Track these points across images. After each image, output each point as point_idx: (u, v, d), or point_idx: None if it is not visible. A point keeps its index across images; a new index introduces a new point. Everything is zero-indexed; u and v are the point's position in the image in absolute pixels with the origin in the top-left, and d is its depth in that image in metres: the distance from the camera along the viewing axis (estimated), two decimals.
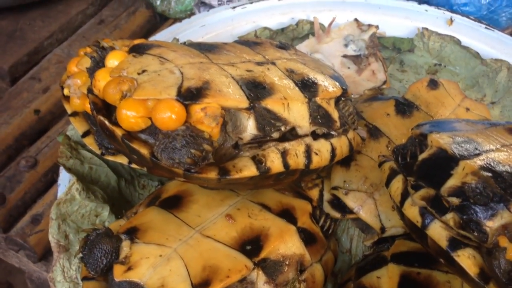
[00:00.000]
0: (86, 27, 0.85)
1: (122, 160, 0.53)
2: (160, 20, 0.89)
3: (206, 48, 0.49)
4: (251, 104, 0.42)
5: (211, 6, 0.82)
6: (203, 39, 0.77)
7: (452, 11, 0.80)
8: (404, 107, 0.57)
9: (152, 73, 0.42)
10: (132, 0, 0.90)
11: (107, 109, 0.44)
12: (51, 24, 0.82)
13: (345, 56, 0.77)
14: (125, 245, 0.42)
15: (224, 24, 0.79)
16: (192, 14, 0.85)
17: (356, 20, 0.80)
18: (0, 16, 0.82)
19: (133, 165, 0.53)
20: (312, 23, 0.80)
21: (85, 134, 0.54)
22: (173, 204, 0.47)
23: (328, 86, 0.48)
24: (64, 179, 0.55)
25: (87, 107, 0.53)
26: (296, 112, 0.44)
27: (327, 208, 0.52)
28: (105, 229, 0.44)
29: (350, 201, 0.51)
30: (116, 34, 0.83)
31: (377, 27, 0.79)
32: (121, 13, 0.87)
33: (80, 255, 0.43)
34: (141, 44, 0.46)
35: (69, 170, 0.53)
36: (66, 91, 0.56)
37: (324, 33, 0.79)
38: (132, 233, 0.43)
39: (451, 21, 0.79)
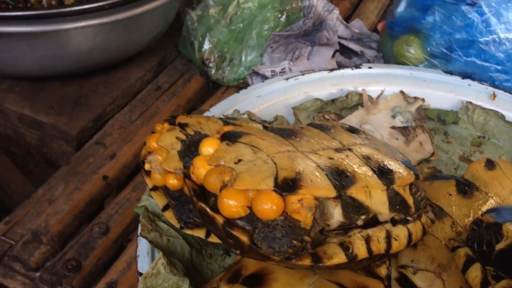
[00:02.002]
0: (144, 92, 0.90)
1: (200, 234, 0.56)
2: (213, 86, 0.94)
3: (287, 134, 0.53)
4: (338, 193, 0.46)
5: (264, 76, 0.87)
6: (259, 109, 0.81)
7: (495, 86, 0.84)
8: (465, 187, 0.61)
9: (248, 162, 0.46)
10: (186, 67, 0.95)
11: (203, 194, 0.47)
12: (113, 90, 0.87)
13: (393, 127, 0.81)
14: None
15: (278, 94, 0.84)
16: (245, 82, 0.90)
17: (402, 92, 0.85)
18: (67, 83, 0.87)
19: (210, 239, 0.56)
20: (360, 95, 0.85)
21: (164, 208, 0.58)
22: (256, 282, 0.50)
23: (402, 173, 0.51)
24: (143, 250, 0.58)
25: (170, 183, 0.57)
26: (377, 199, 0.48)
27: (395, 286, 0.54)
28: None
29: (419, 281, 0.53)
30: (174, 101, 0.88)
31: (423, 100, 0.83)
32: (176, 80, 0.92)
33: None
34: (232, 132, 0.50)
35: (151, 243, 0.56)
36: (147, 166, 0.60)
37: (372, 105, 0.83)
38: None
39: (494, 96, 0.83)
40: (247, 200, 0.44)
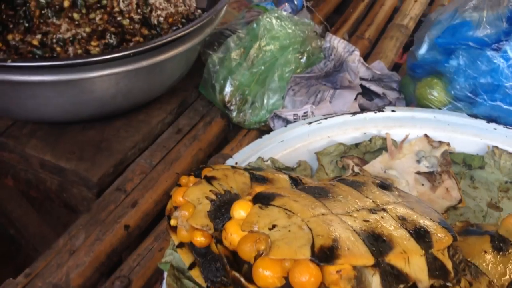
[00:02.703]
0: (165, 136, 0.89)
1: None
2: (233, 129, 0.93)
3: (319, 193, 0.52)
4: (376, 260, 0.44)
5: (286, 120, 0.86)
6: (282, 155, 0.81)
7: None
8: (500, 244, 0.59)
9: (283, 228, 0.45)
10: (207, 109, 0.95)
11: (235, 259, 0.46)
12: (134, 135, 0.87)
13: (418, 172, 0.80)
14: None
15: (301, 139, 0.83)
16: (266, 125, 0.89)
17: (426, 136, 0.83)
18: (88, 127, 0.86)
19: None
20: (384, 139, 0.84)
21: (191, 266, 0.56)
22: None
23: (440, 235, 0.50)
24: None
25: (197, 240, 0.56)
26: (416, 266, 0.46)
27: None
28: None
29: None
30: (195, 145, 0.87)
31: (448, 144, 0.82)
32: (197, 122, 0.92)
33: None
34: (264, 194, 0.49)
35: None
36: (173, 222, 0.59)
37: (396, 149, 0.82)
38: None
39: None
40: (283, 270, 0.42)
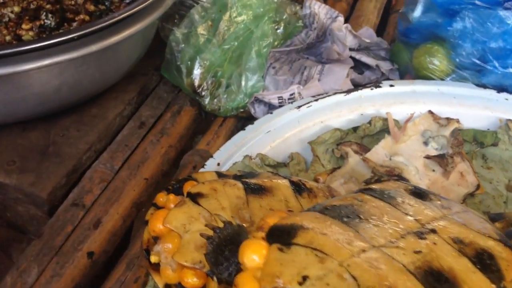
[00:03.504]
0: (126, 132, 0.74)
1: None
2: (206, 116, 0.79)
3: (347, 215, 0.39)
4: None
5: (269, 104, 0.73)
6: (271, 148, 0.68)
7: None
8: None
9: (318, 281, 0.32)
10: (173, 95, 0.80)
11: None
12: (88, 133, 0.72)
13: (427, 157, 0.69)
14: None
15: (291, 127, 0.70)
16: (245, 111, 0.76)
17: (431, 112, 0.73)
18: (30, 128, 0.71)
19: None
20: (384, 119, 0.72)
21: None
22: None
23: (508, 259, 0.39)
24: None
25: (188, 282, 0.43)
26: None
27: None
28: None
29: None
30: (163, 141, 0.73)
31: (458, 121, 0.71)
32: (162, 113, 0.77)
33: None
34: (281, 228, 0.36)
35: None
36: (154, 259, 0.45)
37: (400, 131, 0.71)
38: None
39: None
40: None
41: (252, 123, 0.69)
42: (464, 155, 0.69)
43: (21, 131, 0.70)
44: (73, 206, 0.64)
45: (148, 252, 0.47)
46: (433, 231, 0.39)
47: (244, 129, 0.67)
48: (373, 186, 0.44)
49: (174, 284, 0.45)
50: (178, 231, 0.45)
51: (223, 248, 0.37)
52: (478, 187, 0.67)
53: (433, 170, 0.69)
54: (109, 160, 0.70)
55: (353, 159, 0.69)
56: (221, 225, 0.40)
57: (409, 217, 0.40)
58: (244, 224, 0.48)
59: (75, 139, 0.71)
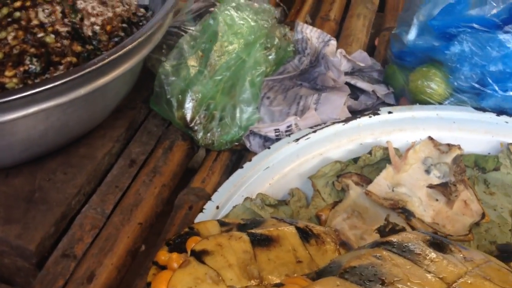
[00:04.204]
0: (116, 172, 0.70)
1: None
2: (197, 151, 0.76)
3: (368, 279, 0.37)
4: None
5: (265, 137, 0.70)
6: (270, 185, 0.65)
7: None
8: None
9: None
10: (163, 129, 0.77)
11: None
12: (76, 176, 0.68)
13: (430, 186, 0.67)
14: None
15: (289, 161, 0.67)
16: (239, 144, 0.73)
17: (431, 138, 0.71)
18: (13, 173, 0.67)
19: None
20: (384, 148, 0.70)
21: None
22: None
23: None
24: None
25: None
26: None
27: None
28: None
29: None
30: (156, 181, 0.69)
31: (459, 147, 0.69)
32: (153, 149, 0.74)
33: None
34: None
35: None
36: None
37: (401, 160, 0.69)
38: None
39: None
40: None
41: (249, 159, 0.66)
42: (467, 182, 0.68)
43: (4, 177, 0.66)
44: (64, 257, 0.61)
45: None
46: None
47: (242, 167, 0.65)
48: (390, 239, 0.42)
49: None
50: None
51: None
52: (483, 215, 0.65)
53: (437, 200, 0.67)
54: (99, 203, 0.66)
55: (354, 192, 0.67)
56: None
57: (433, 277, 0.38)
58: (253, 282, 0.45)
59: (62, 183, 0.67)
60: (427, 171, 0.69)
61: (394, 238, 0.42)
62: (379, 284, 0.36)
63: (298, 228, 0.51)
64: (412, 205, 0.65)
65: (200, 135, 0.72)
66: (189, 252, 0.46)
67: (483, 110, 0.73)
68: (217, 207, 0.60)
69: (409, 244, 0.42)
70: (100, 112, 0.67)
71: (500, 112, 0.72)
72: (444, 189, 0.67)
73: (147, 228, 0.65)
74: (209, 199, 0.61)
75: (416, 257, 0.40)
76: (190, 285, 0.42)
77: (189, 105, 0.72)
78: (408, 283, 0.37)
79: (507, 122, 0.72)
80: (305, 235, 0.51)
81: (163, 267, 0.46)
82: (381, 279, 0.37)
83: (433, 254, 0.41)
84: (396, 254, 0.40)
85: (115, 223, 0.64)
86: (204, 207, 0.59)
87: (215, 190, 0.63)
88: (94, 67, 0.53)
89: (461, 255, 0.42)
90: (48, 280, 0.58)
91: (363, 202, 0.67)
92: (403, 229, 0.45)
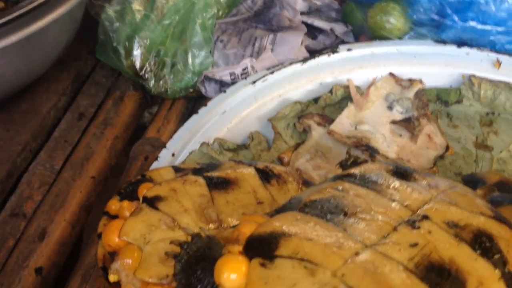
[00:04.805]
0: (63, 126, 0.66)
1: None
2: (152, 100, 0.72)
3: (330, 211, 0.35)
4: None
5: (221, 82, 0.67)
6: (228, 130, 0.62)
7: (497, 51, 0.70)
8: None
9: None
10: (112, 80, 0.72)
11: None
12: (20, 132, 0.63)
13: (393, 122, 0.65)
14: None
15: (247, 104, 0.64)
16: (195, 91, 0.69)
17: (392, 74, 0.69)
18: None
19: None
20: (345, 87, 0.68)
21: None
22: None
23: (505, 237, 0.35)
24: None
25: None
26: None
27: None
28: None
29: None
30: (108, 133, 0.65)
31: (421, 81, 0.67)
32: (102, 101, 0.70)
33: None
34: (261, 238, 0.31)
35: None
36: (113, 278, 0.39)
37: (362, 97, 0.67)
38: None
39: (499, 63, 0.69)
40: None
41: (205, 104, 0.63)
42: (430, 116, 0.66)
43: None
44: (12, 216, 0.57)
45: (105, 270, 0.41)
46: (425, 217, 0.35)
47: (197, 113, 0.61)
48: (352, 171, 0.40)
49: None
50: (138, 243, 0.39)
51: (194, 267, 0.32)
52: (447, 148, 0.64)
53: (400, 135, 0.65)
54: (48, 160, 0.62)
55: (317, 132, 0.65)
56: (187, 238, 0.34)
57: (397, 204, 0.36)
58: (211, 225, 0.43)
59: (6, 140, 0.62)
60: (390, 107, 0.67)
61: (356, 170, 0.40)
62: (342, 215, 0.34)
63: (257, 169, 0.49)
64: (376, 141, 0.64)
65: (151, 83, 0.68)
66: (141, 199, 0.43)
67: (444, 42, 0.71)
68: (173, 155, 0.57)
69: (372, 174, 0.40)
70: (39, 62, 0.62)
71: (460, 43, 0.70)
72: (407, 124, 0.65)
73: (101, 182, 0.62)
74: (164, 147, 0.57)
75: (379, 187, 0.38)
76: (143, 232, 0.40)
77: (137, 52, 0.67)
78: (372, 213, 0.35)
79: (468, 54, 0.70)
80: (265, 175, 0.48)
81: (114, 217, 0.43)
82: (343, 211, 0.35)
83: (396, 183, 0.39)
84: (359, 186, 0.38)
85: (66, 178, 0.60)
86: (159, 155, 0.56)
87: (167, 142, 0.60)
88: (23, 11, 0.48)
89: (425, 182, 0.40)
90: None
91: (326, 142, 0.65)
92: (365, 162, 0.43)
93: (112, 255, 0.41)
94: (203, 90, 0.68)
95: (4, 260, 0.53)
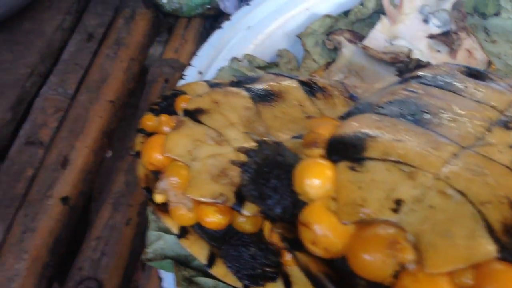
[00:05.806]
0: (72, 48, 0.60)
1: None
2: (165, 19, 0.66)
3: (409, 113, 0.31)
4: None
5: None
6: (255, 47, 0.57)
7: None
8: None
9: (415, 204, 0.24)
10: None
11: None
12: (25, 54, 0.58)
13: (431, 36, 0.61)
14: None
15: (273, 19, 0.59)
16: (212, 8, 0.64)
17: None
18: None
19: None
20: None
21: (210, 261, 0.35)
22: None
23: None
24: None
25: (211, 222, 0.34)
26: None
27: None
28: None
29: None
30: (122, 54, 0.60)
31: None
32: (112, 20, 0.64)
33: None
34: (345, 140, 0.27)
35: None
36: (159, 198, 0.36)
37: (395, 10, 0.62)
38: None
39: None
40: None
41: (228, 19, 0.57)
42: (469, 29, 0.61)
43: None
44: (28, 145, 0.52)
45: (149, 190, 0.37)
46: None
47: (221, 27, 0.56)
48: (421, 73, 0.35)
49: (192, 226, 0.36)
50: (184, 160, 0.35)
51: (267, 176, 0.28)
52: (489, 64, 0.60)
53: (438, 51, 0.61)
54: (60, 84, 0.57)
55: (348, 50, 0.60)
56: (253, 146, 0.30)
57: (482, 105, 0.32)
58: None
59: (11, 62, 0.57)
60: (426, 21, 0.62)
61: (424, 72, 0.36)
62: (425, 116, 0.30)
63: (300, 82, 0.44)
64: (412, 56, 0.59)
65: (165, 0, 0.62)
66: (180, 113, 0.38)
67: None
68: (200, 73, 0.52)
69: (444, 76, 0.35)
70: None
71: None
72: (446, 38, 0.60)
73: (121, 107, 0.57)
74: (189, 64, 0.52)
75: (456, 87, 0.34)
76: (189, 148, 0.35)
77: None
78: (457, 114, 0.31)
79: None
80: (309, 88, 0.44)
81: (151, 134, 0.39)
82: (425, 112, 0.31)
83: (473, 84, 0.35)
84: (433, 87, 0.34)
85: (82, 102, 0.55)
86: (185, 73, 0.51)
87: (191, 59, 0.55)
88: None
89: (504, 83, 0.36)
90: (15, 171, 0.50)
91: (359, 60, 0.60)
92: (429, 64, 0.38)
93: (156, 174, 0.37)
94: (221, 6, 0.62)
95: (24, 191, 0.49)
